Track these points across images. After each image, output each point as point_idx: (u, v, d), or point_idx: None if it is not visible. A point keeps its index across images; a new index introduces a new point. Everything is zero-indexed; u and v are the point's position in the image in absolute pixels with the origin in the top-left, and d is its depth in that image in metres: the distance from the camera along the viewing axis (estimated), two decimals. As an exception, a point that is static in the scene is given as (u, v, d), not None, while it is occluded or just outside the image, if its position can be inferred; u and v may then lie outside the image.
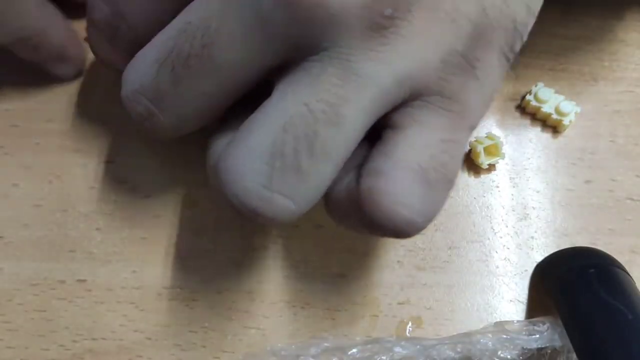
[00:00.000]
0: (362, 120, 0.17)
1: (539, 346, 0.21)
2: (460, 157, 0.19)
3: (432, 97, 0.18)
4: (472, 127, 0.19)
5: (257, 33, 0.17)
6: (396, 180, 0.17)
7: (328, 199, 0.19)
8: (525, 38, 0.19)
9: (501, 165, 0.26)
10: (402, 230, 0.18)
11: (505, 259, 0.24)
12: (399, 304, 0.23)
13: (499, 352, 0.21)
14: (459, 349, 0.21)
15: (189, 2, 0.18)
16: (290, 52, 0.17)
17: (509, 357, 0.21)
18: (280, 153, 0.17)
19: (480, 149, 0.24)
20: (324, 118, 0.17)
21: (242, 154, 0.17)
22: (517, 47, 0.19)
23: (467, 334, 0.22)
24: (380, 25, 0.17)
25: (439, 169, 0.18)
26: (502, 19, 0.18)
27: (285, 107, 0.17)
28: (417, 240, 0.24)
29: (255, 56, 0.18)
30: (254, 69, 0.18)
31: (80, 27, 0.25)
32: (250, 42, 0.17)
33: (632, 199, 0.25)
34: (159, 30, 0.19)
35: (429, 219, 0.18)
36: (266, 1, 0.16)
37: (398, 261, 0.24)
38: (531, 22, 0.19)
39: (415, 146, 0.18)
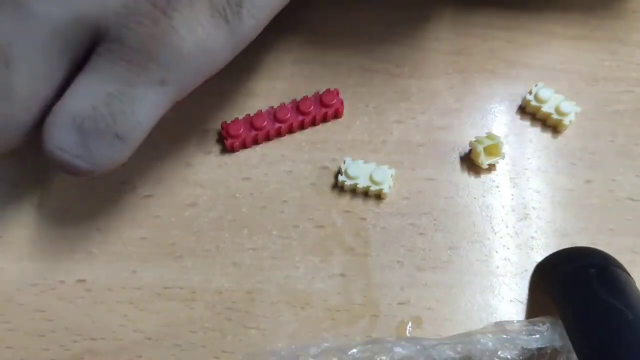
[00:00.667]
0: (36, 58, 0.17)
1: (539, 346, 0.21)
2: (140, 111, 0.18)
3: (114, 44, 0.17)
4: (165, 82, 0.18)
5: None
6: (56, 123, 0.17)
7: None
8: None
9: (501, 165, 0.26)
10: (66, 171, 0.18)
11: (505, 259, 0.24)
12: (399, 304, 0.23)
13: (499, 352, 0.21)
14: (459, 349, 0.21)
15: None
16: None
17: (509, 357, 0.21)
18: None
19: (480, 149, 0.24)
20: None
21: None
22: (238, 3, 0.18)
23: (467, 334, 0.22)
24: None
25: (98, 121, 0.17)
26: None
27: None
28: (417, 240, 0.24)
29: None
30: None
31: None
32: None
33: (632, 199, 0.25)
34: None
35: (93, 164, 0.18)
36: None
37: (398, 261, 0.24)
38: None
39: (81, 94, 0.17)
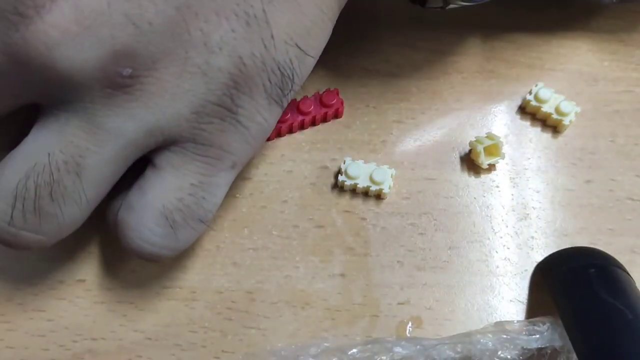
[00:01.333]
0: (107, 168, 0.19)
1: (539, 346, 0.21)
2: (217, 194, 0.20)
3: (187, 144, 0.19)
4: (235, 166, 0.20)
5: None
6: (142, 219, 0.19)
7: (107, 217, 0.21)
8: (299, 77, 0.20)
9: (501, 165, 0.26)
10: (148, 260, 0.20)
11: (505, 258, 0.24)
12: (399, 304, 0.23)
13: (499, 352, 0.21)
14: (459, 349, 0.21)
15: None
16: (36, 99, 0.18)
17: (509, 357, 0.21)
18: (22, 197, 0.18)
19: (480, 149, 0.24)
20: (65, 168, 0.18)
21: None
22: (289, 88, 0.20)
23: (467, 334, 0.22)
24: (121, 84, 0.17)
25: (185, 211, 0.19)
26: (264, 65, 0.19)
27: (31, 154, 0.18)
28: (417, 240, 0.24)
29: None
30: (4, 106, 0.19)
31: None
32: None
33: (632, 199, 0.25)
34: None
35: (176, 251, 0.20)
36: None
37: (398, 261, 0.24)
38: (307, 61, 0.20)
39: (165, 189, 0.19)
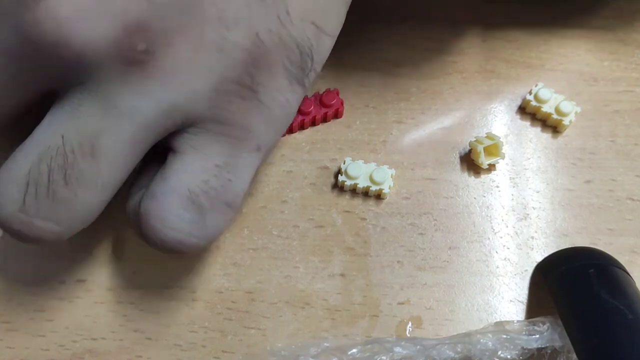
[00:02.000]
0: (124, 150, 0.18)
1: (539, 346, 0.21)
2: (243, 177, 0.19)
3: (208, 123, 0.18)
4: (260, 148, 0.19)
5: (9, 64, 0.17)
6: (167, 205, 0.18)
7: (128, 214, 0.20)
8: (319, 57, 0.20)
9: (501, 165, 0.26)
10: (175, 250, 0.19)
11: (505, 259, 0.24)
12: (399, 304, 0.23)
13: (499, 352, 0.21)
14: (459, 349, 0.21)
15: None
16: (50, 83, 0.18)
17: (509, 357, 0.21)
18: (35, 182, 0.17)
19: (480, 149, 0.24)
20: (79, 150, 0.17)
21: (3, 179, 0.18)
22: (309, 67, 0.19)
23: (467, 334, 0.22)
24: (136, 60, 0.17)
25: (211, 193, 0.19)
26: (282, 42, 0.18)
27: (44, 137, 0.17)
28: (417, 240, 0.24)
29: (13, 85, 0.18)
30: (15, 99, 0.18)
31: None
32: (4, 72, 0.17)
33: (632, 199, 0.25)
34: None
35: (205, 239, 0.19)
36: (10, 37, 0.16)
37: (398, 261, 0.24)
38: (325, 41, 0.20)
39: (188, 172, 0.19)
